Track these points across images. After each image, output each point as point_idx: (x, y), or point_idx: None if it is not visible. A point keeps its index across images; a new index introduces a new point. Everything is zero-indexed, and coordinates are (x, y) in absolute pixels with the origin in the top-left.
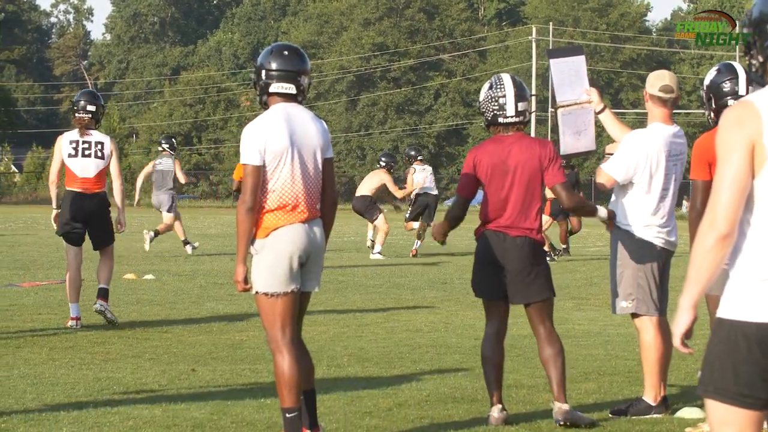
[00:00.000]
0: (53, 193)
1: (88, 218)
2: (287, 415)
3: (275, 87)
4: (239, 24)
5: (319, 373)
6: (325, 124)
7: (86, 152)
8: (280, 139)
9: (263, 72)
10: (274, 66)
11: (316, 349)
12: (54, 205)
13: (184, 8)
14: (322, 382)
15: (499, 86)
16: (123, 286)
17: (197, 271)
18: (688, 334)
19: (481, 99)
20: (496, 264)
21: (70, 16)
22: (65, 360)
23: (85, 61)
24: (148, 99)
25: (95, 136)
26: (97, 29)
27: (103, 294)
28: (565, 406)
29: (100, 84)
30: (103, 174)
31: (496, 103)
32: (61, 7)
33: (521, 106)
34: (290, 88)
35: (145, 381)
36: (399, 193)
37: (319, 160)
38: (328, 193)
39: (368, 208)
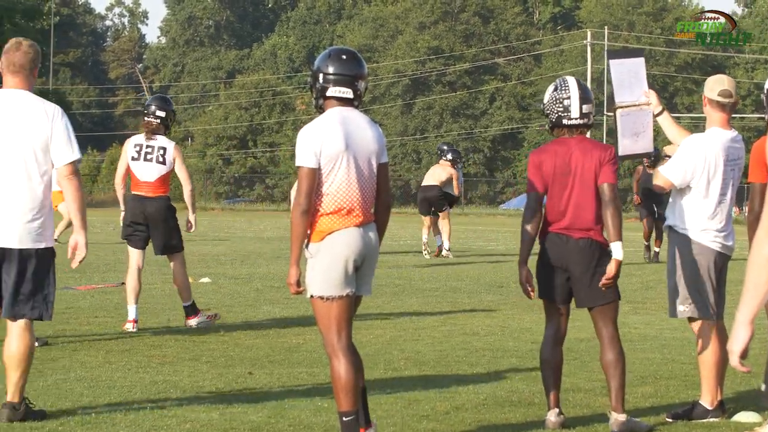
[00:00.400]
0: (119, 194)
1: (150, 221)
2: (344, 418)
3: (332, 91)
4: (294, 27)
5: (376, 377)
6: (380, 128)
7: (148, 156)
8: (335, 142)
9: (320, 75)
10: (331, 70)
11: (373, 353)
12: (122, 206)
13: (239, 11)
14: (379, 386)
15: (563, 88)
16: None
17: (253, 275)
18: (744, 353)
19: (545, 101)
20: (559, 266)
21: (125, 20)
22: (122, 363)
23: (140, 65)
24: (203, 102)
25: (159, 141)
26: (152, 32)
27: (189, 311)
28: (622, 417)
29: (155, 87)
30: (165, 179)
31: (560, 105)
32: (116, 10)
33: (585, 108)
34: (347, 92)
35: (202, 384)
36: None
37: (374, 165)
38: (383, 198)
39: (439, 198)
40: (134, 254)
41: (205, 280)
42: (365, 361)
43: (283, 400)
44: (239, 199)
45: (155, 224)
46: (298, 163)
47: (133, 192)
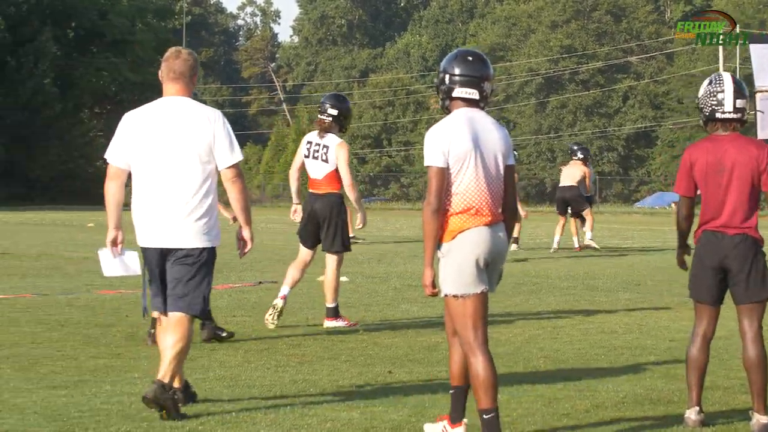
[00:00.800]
0: (292, 186)
1: (318, 218)
2: (484, 416)
3: (458, 92)
4: (427, 26)
5: (515, 375)
6: (506, 130)
7: (315, 154)
8: (463, 142)
9: (447, 77)
10: (457, 71)
11: (512, 351)
12: (294, 199)
13: (371, 10)
14: (519, 384)
15: (718, 82)
16: (317, 288)
17: (391, 273)
18: None
19: (699, 95)
20: (715, 266)
21: (257, 19)
22: (261, 362)
23: (273, 64)
24: None
25: (327, 139)
26: (284, 31)
27: (329, 313)
28: (764, 419)
29: (289, 86)
30: (332, 177)
31: (714, 99)
32: (248, 9)
33: (740, 103)
34: (473, 93)
35: (342, 383)
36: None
37: (501, 165)
38: (508, 200)
39: (578, 198)
40: (303, 251)
41: (343, 279)
42: (504, 359)
43: (423, 398)
44: (374, 197)
45: (322, 221)
46: (426, 162)
47: (308, 189)
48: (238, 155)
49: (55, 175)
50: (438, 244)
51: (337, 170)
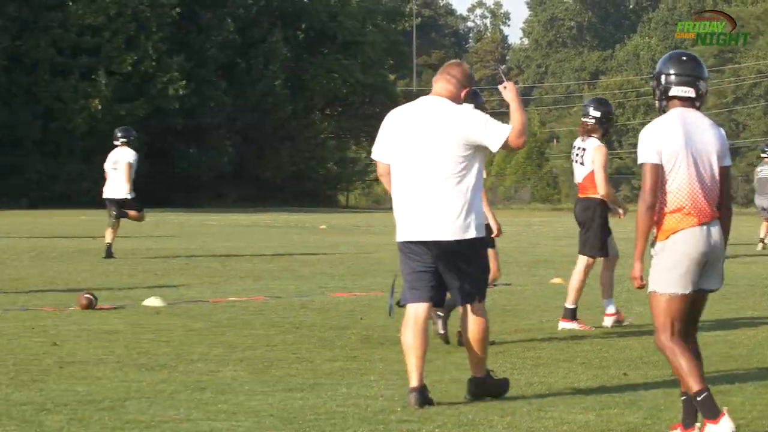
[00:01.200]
0: None
1: (578, 221)
2: (698, 398)
3: (675, 90)
4: (656, 28)
5: (751, 375)
6: (723, 131)
7: (577, 158)
8: (675, 140)
9: (662, 77)
10: (673, 71)
11: (747, 354)
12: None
13: (600, 12)
14: (754, 386)
15: None
16: (550, 291)
17: (623, 275)
18: None
19: None
20: None
21: (487, 21)
22: (496, 365)
23: (504, 66)
24: (567, 103)
25: (587, 142)
26: (514, 33)
27: (567, 314)
28: None
29: (520, 88)
30: (590, 180)
31: None
32: (478, 11)
33: None
34: (689, 92)
35: (577, 386)
36: None
37: (715, 167)
38: (724, 201)
39: None
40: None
41: (556, 280)
42: (739, 361)
43: (658, 401)
44: None
45: (580, 224)
46: (640, 160)
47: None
48: (504, 131)
49: (285, 176)
50: (652, 242)
51: (593, 173)
